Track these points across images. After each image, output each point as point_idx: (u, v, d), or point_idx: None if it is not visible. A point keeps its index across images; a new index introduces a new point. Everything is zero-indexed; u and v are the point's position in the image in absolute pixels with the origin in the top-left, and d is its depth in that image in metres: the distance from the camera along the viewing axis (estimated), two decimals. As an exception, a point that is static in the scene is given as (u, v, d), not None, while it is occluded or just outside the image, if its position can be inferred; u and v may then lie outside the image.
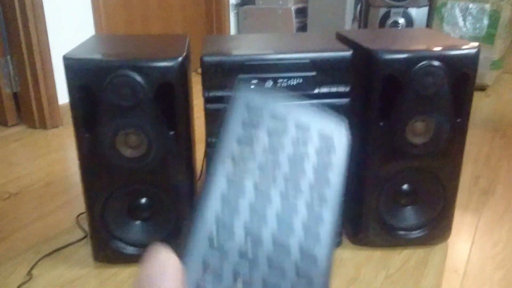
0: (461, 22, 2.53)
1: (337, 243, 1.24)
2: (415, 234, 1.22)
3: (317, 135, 0.27)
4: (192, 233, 0.24)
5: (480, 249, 1.24)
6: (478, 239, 1.29)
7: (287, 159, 0.26)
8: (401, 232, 1.22)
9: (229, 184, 0.25)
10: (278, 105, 0.27)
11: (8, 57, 2.11)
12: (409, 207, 1.22)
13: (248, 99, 0.27)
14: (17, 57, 2.08)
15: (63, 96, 2.16)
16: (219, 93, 1.02)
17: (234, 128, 0.26)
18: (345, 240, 1.26)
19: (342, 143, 0.27)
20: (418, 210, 1.22)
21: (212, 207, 0.24)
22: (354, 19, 2.90)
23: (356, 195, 1.19)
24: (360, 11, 2.65)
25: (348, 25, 2.95)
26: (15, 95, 2.19)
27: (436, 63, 1.02)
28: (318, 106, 0.27)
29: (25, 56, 2.05)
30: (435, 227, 1.22)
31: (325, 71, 1.03)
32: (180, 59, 0.97)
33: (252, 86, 0.26)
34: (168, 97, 1.01)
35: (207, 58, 1.01)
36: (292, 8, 3.01)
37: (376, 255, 1.22)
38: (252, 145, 0.26)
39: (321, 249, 0.24)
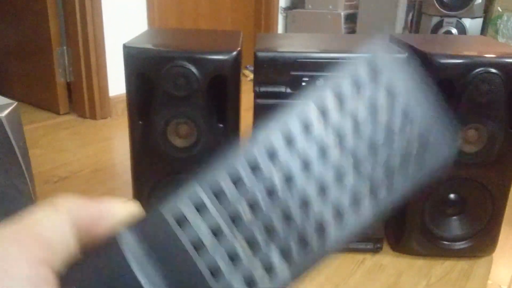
0: (516, 35, 2.45)
1: (377, 249, 1.22)
2: (460, 245, 1.19)
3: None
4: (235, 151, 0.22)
5: (527, 266, 1.20)
6: (526, 255, 1.24)
7: (382, 131, 0.22)
8: (445, 242, 1.19)
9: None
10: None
11: (65, 47, 2.20)
12: (455, 217, 1.19)
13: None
14: (73, 48, 2.16)
15: (113, 89, 2.22)
16: (269, 89, 1.04)
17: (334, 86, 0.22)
18: (386, 247, 1.24)
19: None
20: (464, 221, 1.19)
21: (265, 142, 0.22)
22: (405, 27, 2.86)
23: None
24: (412, 19, 2.61)
25: (398, 33, 2.91)
26: (68, 85, 2.28)
27: (493, 70, 1.00)
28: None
29: (81, 47, 2.12)
30: (481, 239, 1.19)
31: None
32: (234, 53, 0.99)
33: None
34: (220, 90, 1.02)
35: (260, 54, 1.02)
36: (342, 14, 2.99)
37: (417, 263, 1.20)
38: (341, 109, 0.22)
39: (337, 232, 0.22)
